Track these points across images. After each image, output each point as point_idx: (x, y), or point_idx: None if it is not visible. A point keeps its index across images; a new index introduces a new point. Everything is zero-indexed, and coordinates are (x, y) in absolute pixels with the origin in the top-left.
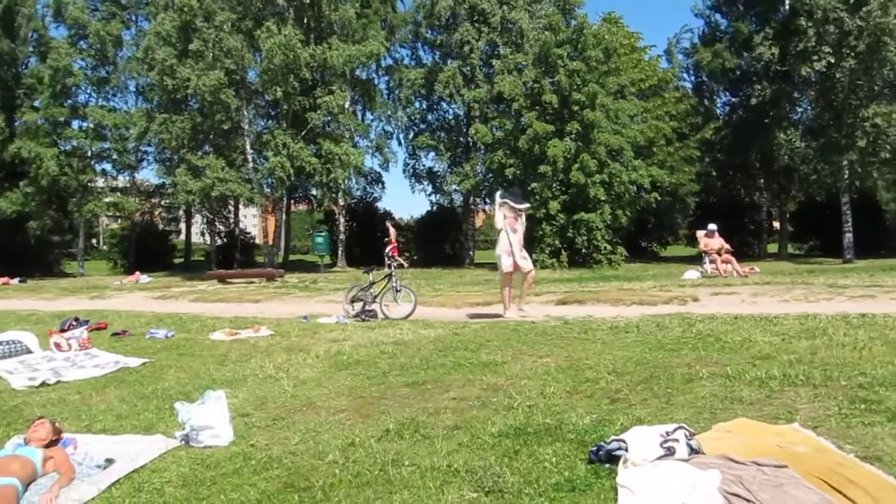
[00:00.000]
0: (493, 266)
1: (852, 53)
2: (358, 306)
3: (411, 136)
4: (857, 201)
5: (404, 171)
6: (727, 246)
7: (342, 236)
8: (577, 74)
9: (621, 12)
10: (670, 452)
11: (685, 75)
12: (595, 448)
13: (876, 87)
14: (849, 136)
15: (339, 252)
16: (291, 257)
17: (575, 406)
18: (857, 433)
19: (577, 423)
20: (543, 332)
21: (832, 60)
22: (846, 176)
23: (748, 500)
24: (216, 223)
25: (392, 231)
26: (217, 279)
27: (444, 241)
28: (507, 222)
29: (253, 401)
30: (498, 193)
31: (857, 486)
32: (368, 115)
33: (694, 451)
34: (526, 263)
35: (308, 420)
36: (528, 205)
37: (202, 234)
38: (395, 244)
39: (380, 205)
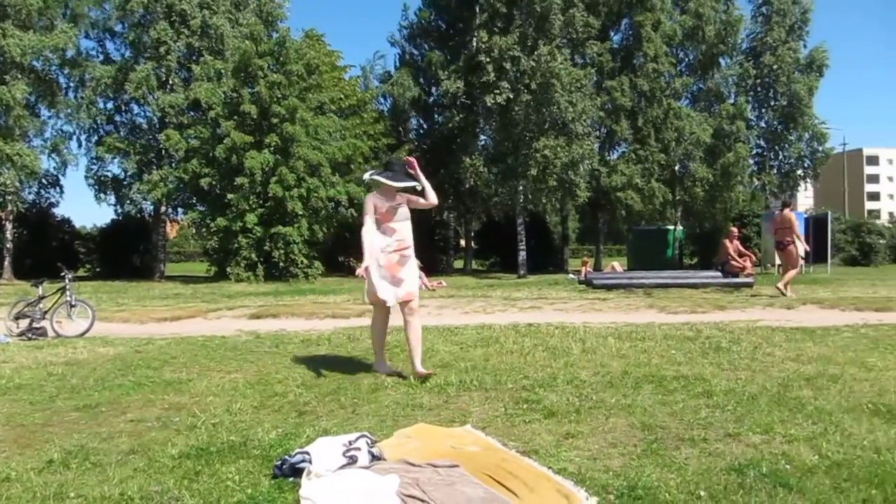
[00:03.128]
0: (187, 279)
1: (527, 91)
2: (24, 323)
3: (95, 138)
4: (529, 223)
5: (87, 176)
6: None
7: (9, 245)
8: (277, 87)
9: (323, 30)
10: (353, 461)
11: (381, 99)
12: (279, 462)
13: (546, 123)
14: (523, 164)
15: (6, 263)
16: None
17: (262, 421)
18: (519, 430)
19: (262, 439)
20: (234, 346)
21: (511, 96)
22: (521, 200)
23: (423, 501)
24: None
25: None
26: None
27: (131, 253)
28: (377, 217)
29: None
30: (367, 174)
31: (517, 478)
32: (45, 112)
33: (376, 457)
34: (407, 286)
35: None
36: (413, 184)
37: None
38: None
39: (57, 211)
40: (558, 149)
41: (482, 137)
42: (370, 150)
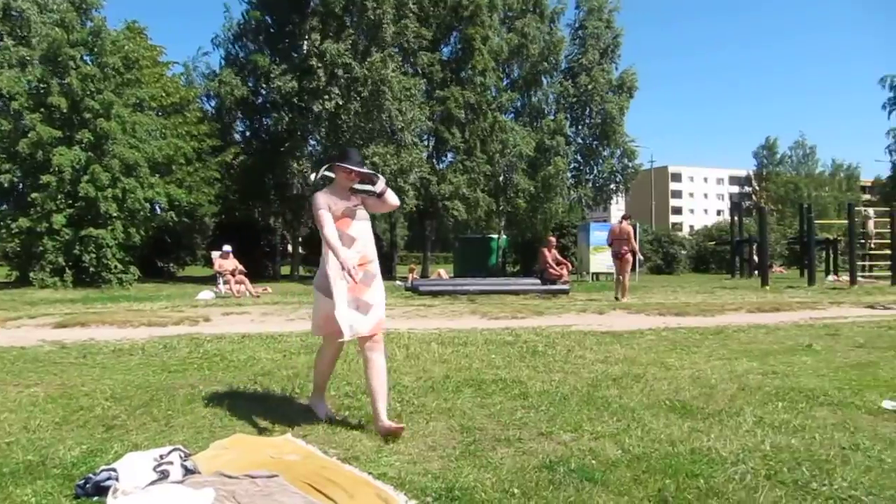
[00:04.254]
0: None
1: (358, 97)
2: None
3: None
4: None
5: None
6: (241, 267)
7: None
8: (91, 80)
9: (146, 23)
10: (164, 476)
11: (205, 98)
12: (82, 481)
13: (376, 130)
14: None
15: None
16: None
17: (64, 438)
18: (340, 437)
19: (64, 457)
20: (34, 358)
21: (341, 102)
22: None
23: None
24: None
25: None
26: None
27: None
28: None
29: None
30: (316, 175)
31: (336, 486)
32: None
33: (189, 471)
34: (376, 313)
35: None
36: (377, 176)
37: None
38: None
39: None
40: (388, 156)
41: (311, 142)
42: (193, 151)
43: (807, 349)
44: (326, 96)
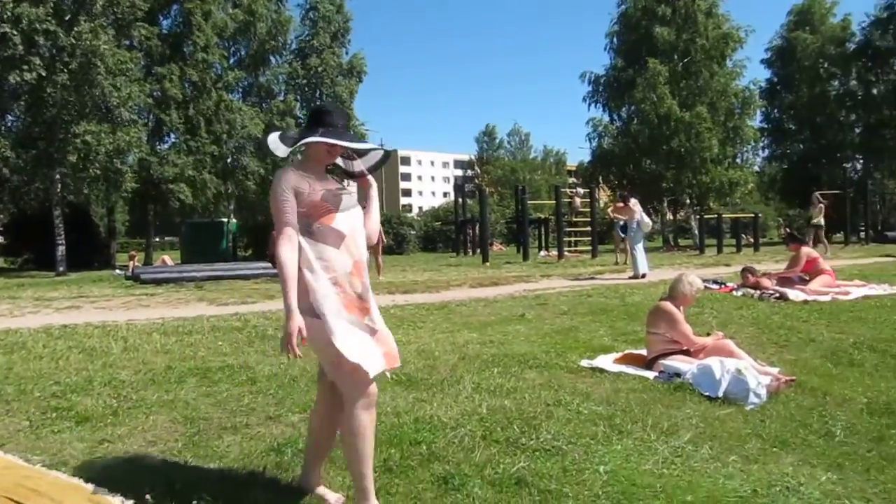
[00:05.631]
0: None
1: (66, 70)
2: None
3: None
4: (70, 215)
5: None
6: None
7: None
8: None
9: None
10: None
11: None
12: None
13: (87, 107)
14: (60, 150)
15: None
16: None
17: None
18: (46, 443)
19: None
20: None
21: (44, 73)
22: (59, 189)
23: None
24: None
25: None
26: None
27: None
28: (306, 213)
29: None
30: (274, 139)
31: (41, 495)
32: None
33: None
34: (390, 340)
35: None
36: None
37: None
38: None
39: None
40: (102, 135)
41: (9, 117)
42: None
43: (520, 318)
44: (26, 66)
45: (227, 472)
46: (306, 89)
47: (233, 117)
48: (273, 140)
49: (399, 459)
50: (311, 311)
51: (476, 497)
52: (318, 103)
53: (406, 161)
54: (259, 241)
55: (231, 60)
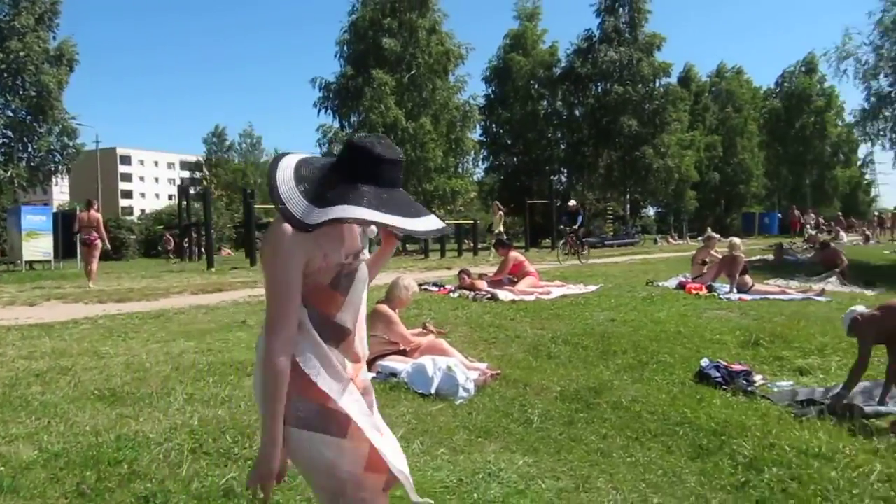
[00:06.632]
0: None
1: None
2: None
3: None
4: None
5: None
6: None
7: None
8: None
9: None
10: None
11: None
12: None
13: None
14: None
15: None
16: None
17: None
18: None
19: None
20: None
21: None
22: None
23: None
24: None
25: None
26: None
27: None
28: (315, 298)
29: None
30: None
31: None
32: None
33: None
34: (395, 442)
35: None
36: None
37: None
38: None
39: None
40: None
41: None
42: None
43: (241, 325)
44: None
45: None
46: (6, 76)
47: None
48: (295, 200)
49: (94, 482)
50: (311, 421)
51: None
52: (363, 136)
53: (126, 160)
54: None
55: None
